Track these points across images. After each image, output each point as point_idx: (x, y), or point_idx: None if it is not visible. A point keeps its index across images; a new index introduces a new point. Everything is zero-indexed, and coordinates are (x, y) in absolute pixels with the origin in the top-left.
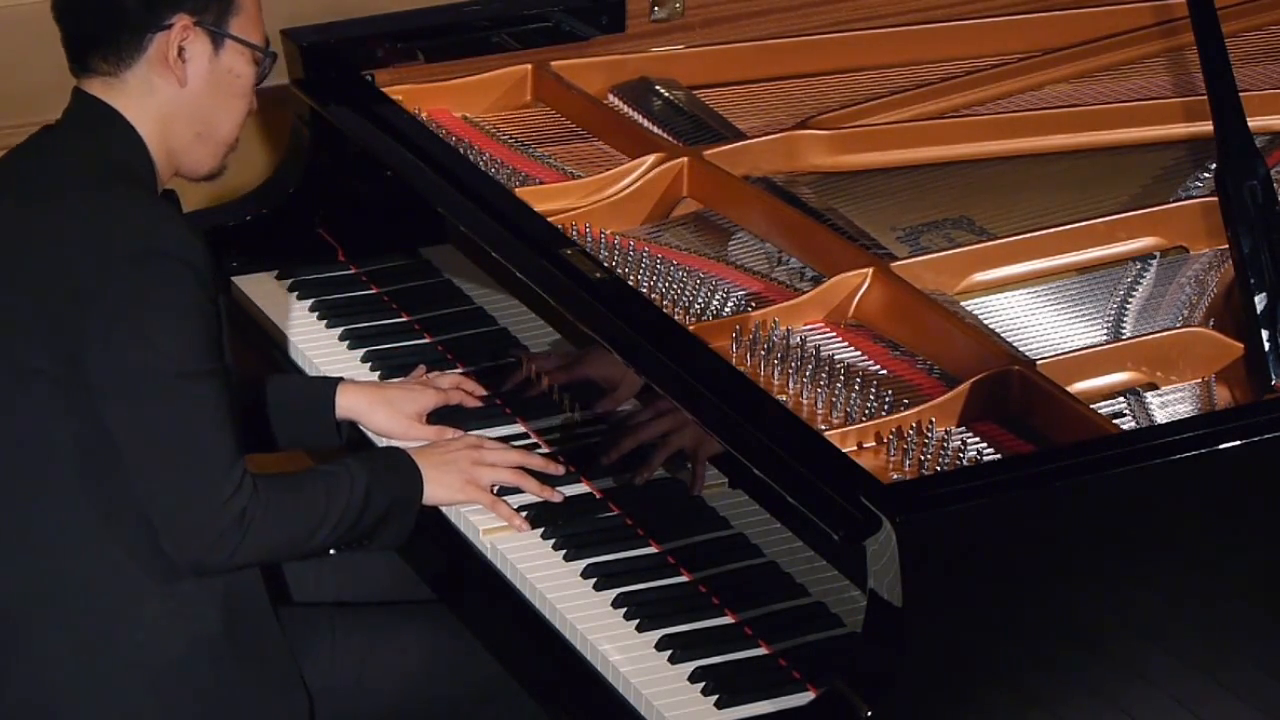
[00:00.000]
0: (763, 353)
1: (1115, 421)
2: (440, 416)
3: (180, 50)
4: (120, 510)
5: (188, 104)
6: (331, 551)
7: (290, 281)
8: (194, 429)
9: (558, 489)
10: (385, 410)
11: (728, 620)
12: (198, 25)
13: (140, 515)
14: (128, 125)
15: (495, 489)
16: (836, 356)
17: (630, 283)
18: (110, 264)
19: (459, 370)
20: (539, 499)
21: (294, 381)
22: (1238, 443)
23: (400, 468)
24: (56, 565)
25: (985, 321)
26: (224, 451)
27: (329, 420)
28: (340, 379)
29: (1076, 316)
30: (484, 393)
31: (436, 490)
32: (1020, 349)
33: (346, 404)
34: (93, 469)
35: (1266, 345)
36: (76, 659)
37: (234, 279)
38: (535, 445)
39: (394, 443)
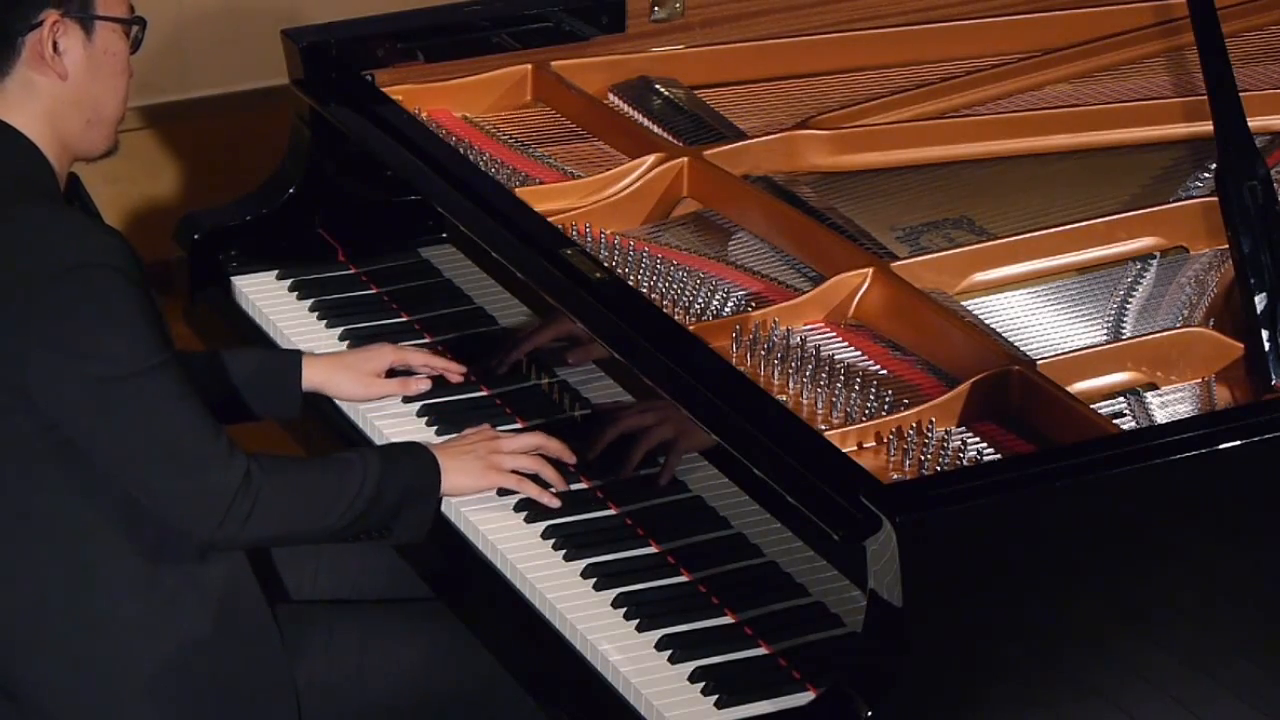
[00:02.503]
0: (763, 353)
1: (1115, 421)
2: (440, 415)
3: (54, 45)
4: (92, 518)
5: (72, 95)
6: (347, 539)
7: (290, 281)
8: (168, 418)
9: (555, 493)
10: (347, 374)
11: (728, 620)
12: (66, 16)
13: (111, 521)
14: (15, 134)
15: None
16: (836, 356)
17: (630, 283)
18: (33, 287)
19: (426, 342)
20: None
21: (256, 355)
22: (1238, 443)
23: (416, 457)
24: (37, 584)
25: (985, 321)
26: (204, 428)
27: (295, 392)
28: (300, 352)
29: (1076, 316)
30: (458, 367)
31: (457, 479)
32: (1020, 349)
33: (310, 376)
34: (58, 482)
35: (1266, 345)
36: (70, 675)
37: (234, 279)
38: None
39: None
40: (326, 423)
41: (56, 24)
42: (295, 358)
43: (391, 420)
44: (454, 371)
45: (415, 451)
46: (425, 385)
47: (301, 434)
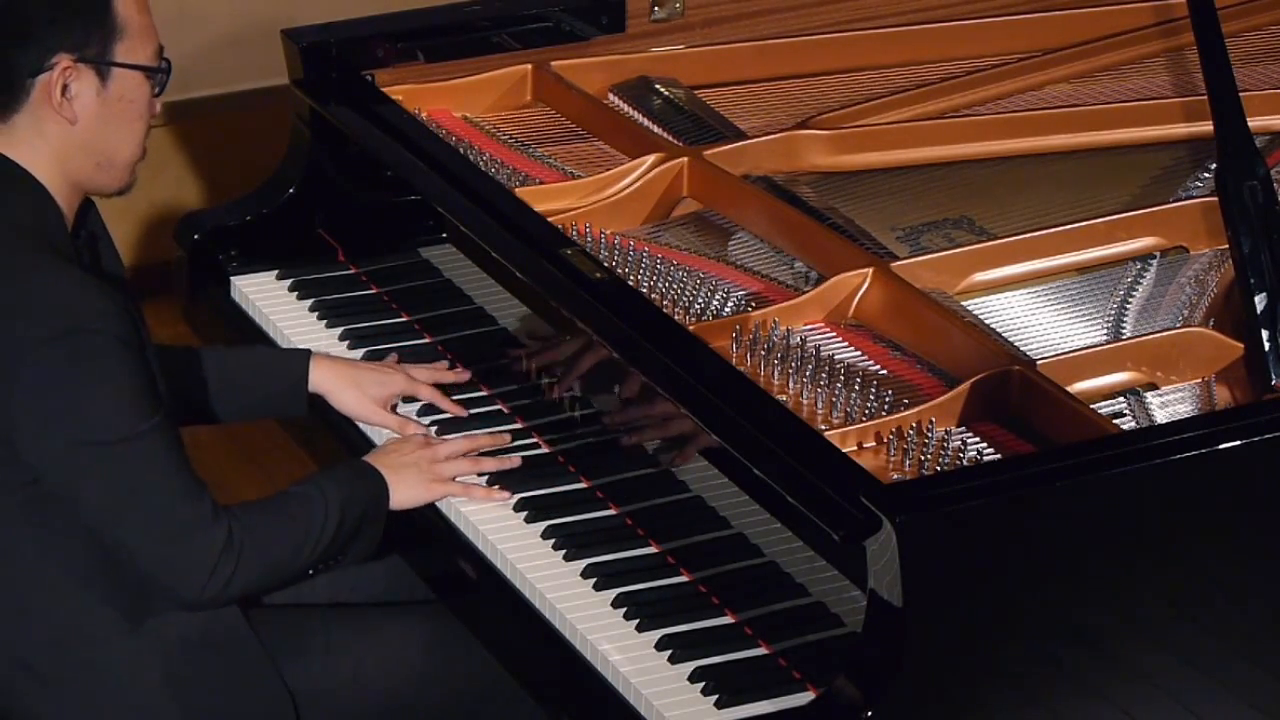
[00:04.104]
0: (763, 353)
1: (1115, 421)
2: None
3: (65, 89)
4: (76, 560)
5: (81, 140)
6: (310, 573)
7: (290, 281)
8: (152, 485)
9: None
10: (353, 392)
11: (728, 620)
12: (80, 62)
13: (91, 561)
14: (24, 175)
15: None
16: (836, 356)
17: (630, 283)
18: (23, 348)
19: (442, 364)
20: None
21: (263, 353)
22: (1238, 443)
23: (365, 478)
24: (25, 626)
25: (985, 321)
26: (188, 493)
27: (301, 391)
28: (309, 351)
29: (1076, 316)
30: (463, 411)
31: (403, 494)
32: (1020, 349)
33: (317, 379)
34: (42, 532)
35: (1266, 345)
36: (60, 708)
37: (234, 279)
38: (536, 444)
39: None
40: (323, 419)
41: (68, 69)
42: (303, 357)
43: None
44: (461, 411)
45: (363, 472)
46: (423, 432)
47: (301, 432)
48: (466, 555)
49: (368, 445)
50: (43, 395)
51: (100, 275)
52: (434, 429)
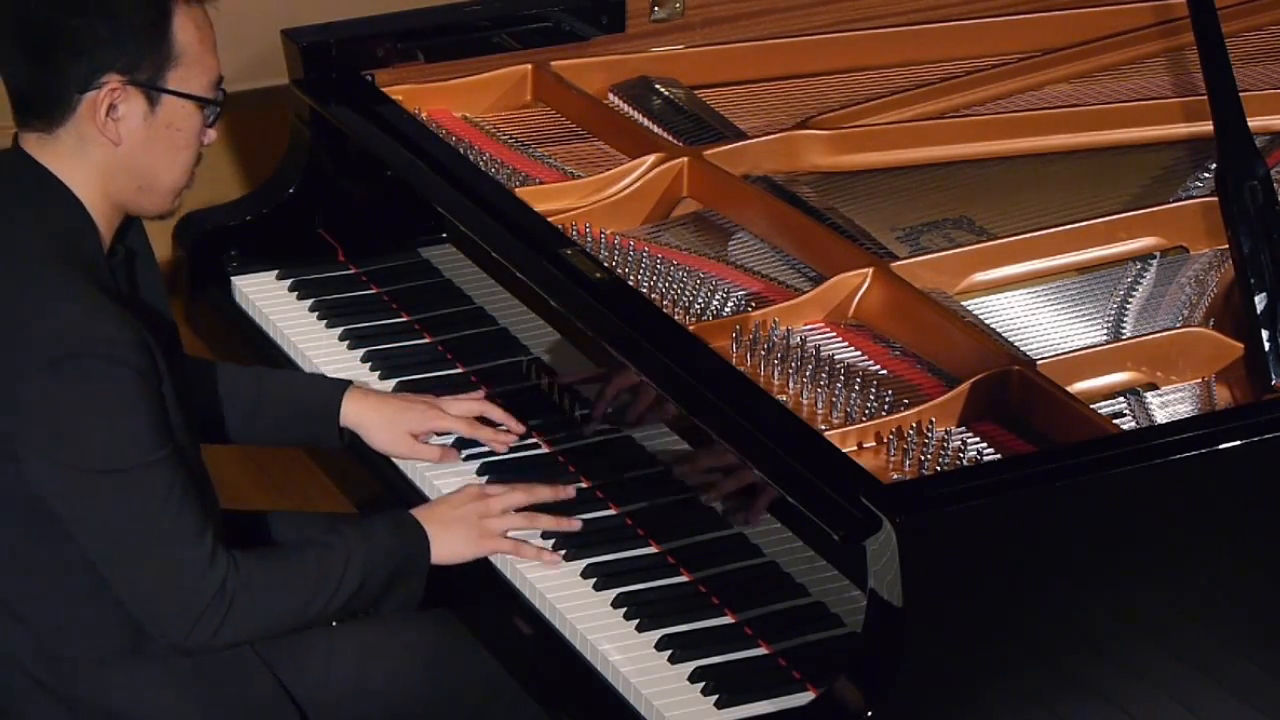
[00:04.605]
0: (763, 353)
1: (1115, 421)
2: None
3: (111, 109)
4: (78, 571)
5: (123, 161)
6: (334, 623)
7: (290, 281)
8: (150, 519)
9: (577, 517)
10: (387, 429)
11: (728, 620)
12: (130, 84)
13: (95, 572)
14: (63, 189)
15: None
16: (836, 356)
17: (630, 283)
18: (28, 368)
19: (478, 395)
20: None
21: (301, 379)
22: (1238, 443)
23: (404, 533)
24: (28, 634)
25: (985, 321)
26: (185, 531)
27: (332, 424)
28: (349, 383)
29: (1076, 316)
30: (517, 429)
31: (447, 550)
32: (1020, 349)
33: (351, 413)
34: (47, 542)
35: (1266, 345)
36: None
37: (234, 279)
38: (535, 444)
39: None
40: (359, 457)
41: (116, 90)
42: (338, 388)
43: None
44: (500, 443)
45: (402, 526)
46: (458, 462)
47: (336, 469)
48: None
49: (404, 482)
50: (44, 415)
51: (134, 297)
52: (478, 469)
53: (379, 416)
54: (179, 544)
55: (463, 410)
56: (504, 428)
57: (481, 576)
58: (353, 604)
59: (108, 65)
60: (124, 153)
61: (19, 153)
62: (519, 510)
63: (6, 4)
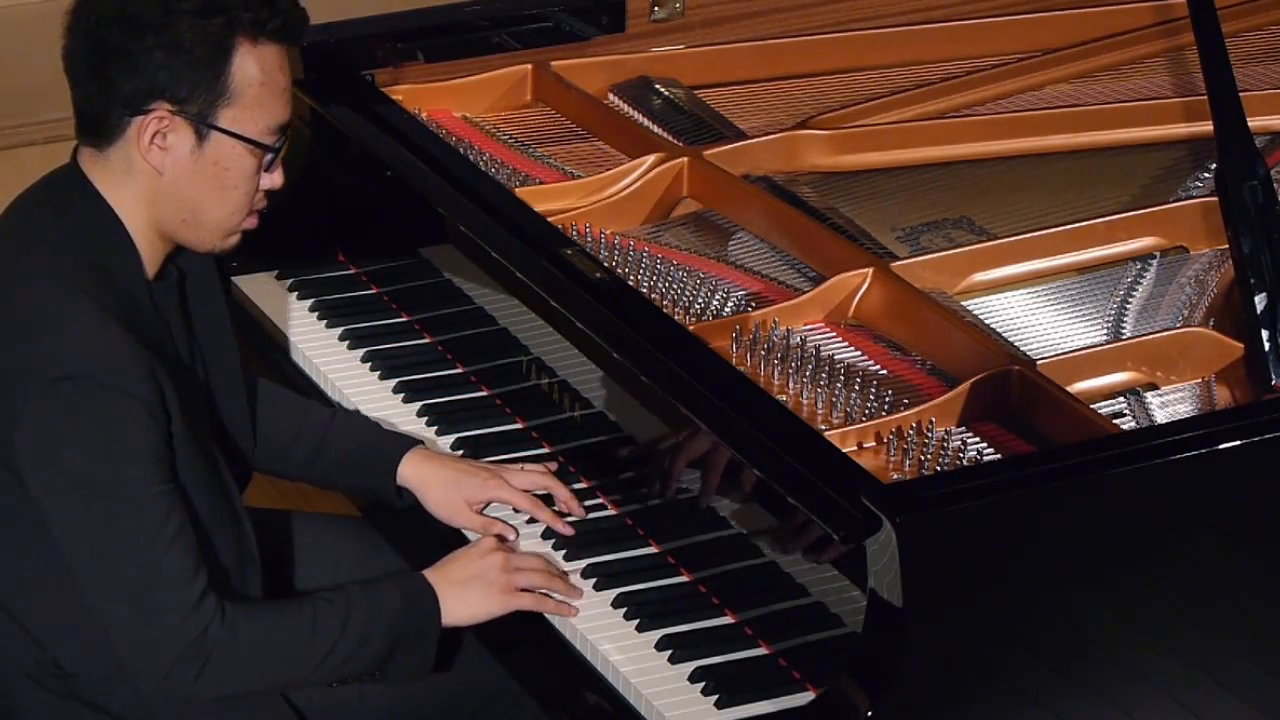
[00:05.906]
0: (763, 353)
1: (1115, 421)
2: (440, 415)
3: (158, 136)
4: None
5: (167, 191)
6: (333, 685)
7: (290, 281)
8: (136, 551)
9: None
10: (441, 491)
11: (728, 620)
12: (179, 115)
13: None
14: (107, 210)
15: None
16: (836, 356)
17: (630, 283)
18: (30, 385)
19: (543, 469)
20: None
21: (370, 426)
22: (1238, 443)
23: (409, 593)
24: (29, 642)
25: (985, 321)
26: (174, 573)
27: (389, 476)
28: (418, 442)
29: (1076, 316)
30: (578, 511)
31: (464, 611)
32: (1020, 349)
33: (408, 473)
34: (50, 551)
35: (1266, 345)
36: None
37: (234, 279)
38: (535, 444)
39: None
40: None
41: (164, 119)
42: (404, 443)
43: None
44: (562, 527)
45: (408, 587)
46: (510, 534)
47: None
48: None
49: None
50: (39, 432)
51: (177, 324)
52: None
53: (438, 479)
54: (164, 583)
55: (526, 484)
56: (565, 511)
57: None
58: (351, 668)
59: (159, 93)
60: (168, 183)
61: (73, 168)
62: (542, 571)
63: (83, 15)
